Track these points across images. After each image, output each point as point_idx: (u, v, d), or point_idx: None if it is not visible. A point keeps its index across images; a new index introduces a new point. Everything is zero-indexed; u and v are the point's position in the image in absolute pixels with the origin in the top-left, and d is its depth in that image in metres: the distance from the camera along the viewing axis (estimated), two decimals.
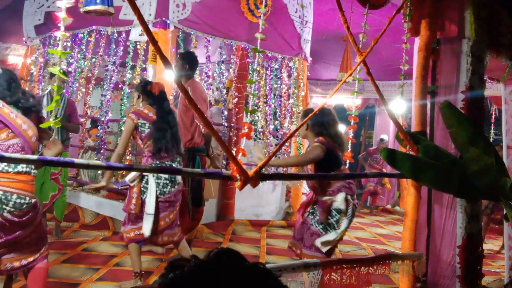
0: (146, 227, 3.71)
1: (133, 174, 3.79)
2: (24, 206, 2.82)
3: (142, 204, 3.76)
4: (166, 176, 3.80)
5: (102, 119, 6.32)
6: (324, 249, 3.32)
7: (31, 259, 2.93)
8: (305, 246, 3.48)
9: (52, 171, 4.90)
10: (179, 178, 3.93)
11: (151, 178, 3.77)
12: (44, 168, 4.73)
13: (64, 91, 5.53)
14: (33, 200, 2.90)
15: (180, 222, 4.13)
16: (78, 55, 6.80)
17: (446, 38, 2.99)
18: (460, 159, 2.58)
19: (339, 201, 3.37)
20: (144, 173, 3.80)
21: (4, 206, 2.73)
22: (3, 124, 2.79)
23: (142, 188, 3.77)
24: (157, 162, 3.82)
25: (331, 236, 3.33)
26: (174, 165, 3.87)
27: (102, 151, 6.37)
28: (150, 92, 3.92)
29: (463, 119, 2.59)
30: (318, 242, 3.33)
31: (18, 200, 2.78)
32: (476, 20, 2.82)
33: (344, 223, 3.39)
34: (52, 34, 6.88)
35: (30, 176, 2.87)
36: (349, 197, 3.41)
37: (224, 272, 0.87)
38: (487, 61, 2.95)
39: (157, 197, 3.77)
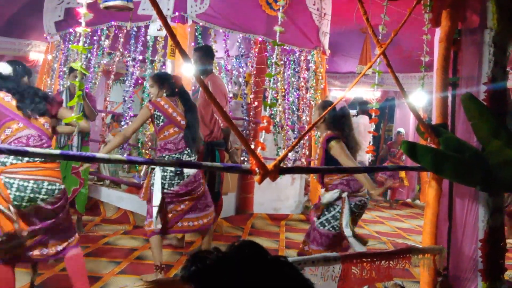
0: (153, 218, 3.76)
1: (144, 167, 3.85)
2: (56, 191, 2.92)
3: (150, 195, 3.82)
4: (172, 168, 3.81)
5: (126, 114, 6.37)
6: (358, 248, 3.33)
7: (65, 244, 3.04)
8: (310, 240, 3.53)
9: (73, 165, 4.97)
10: (188, 170, 3.90)
11: (157, 171, 3.81)
12: (65, 162, 4.80)
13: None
14: (62, 186, 3.02)
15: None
16: (97, 51, 6.86)
17: (467, 29, 2.94)
18: (482, 152, 2.54)
19: (325, 198, 3.40)
20: (152, 166, 3.85)
21: (37, 195, 2.82)
22: (10, 117, 2.87)
23: (152, 181, 3.83)
24: (164, 154, 3.85)
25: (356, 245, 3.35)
26: (182, 158, 3.87)
27: (125, 146, 6.43)
28: (174, 83, 3.95)
29: (485, 111, 2.55)
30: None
31: (49, 187, 2.87)
32: (498, 10, 2.76)
33: (344, 214, 3.38)
34: (72, 30, 6.96)
35: (55, 163, 2.98)
36: (344, 194, 3.39)
37: (247, 265, 0.87)
38: (510, 51, 2.89)
39: (163, 189, 3.79)
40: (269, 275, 0.86)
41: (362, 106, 8.23)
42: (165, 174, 3.80)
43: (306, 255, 2.66)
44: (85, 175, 5.19)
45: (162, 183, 3.78)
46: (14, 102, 2.89)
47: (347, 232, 3.36)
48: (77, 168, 4.99)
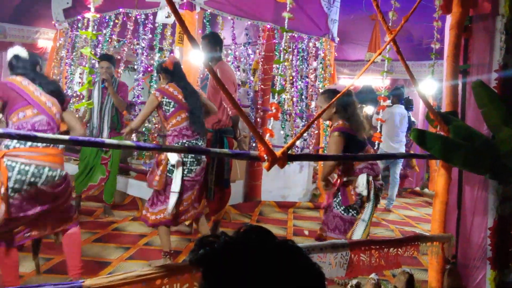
0: (170, 205, 3.76)
1: (174, 156, 3.79)
2: (56, 178, 2.95)
3: (166, 182, 3.79)
4: (192, 154, 3.82)
5: (134, 101, 6.38)
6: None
7: (63, 226, 3.14)
8: (329, 229, 3.50)
9: (102, 156, 5.00)
10: (203, 156, 3.95)
11: (175, 157, 3.76)
12: (95, 152, 4.91)
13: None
14: (64, 172, 3.03)
15: (207, 203, 4.18)
16: (105, 37, 6.85)
17: (479, 16, 2.90)
18: (492, 140, 2.53)
19: (360, 185, 3.36)
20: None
21: (37, 180, 2.86)
22: (27, 101, 2.90)
23: (170, 167, 3.79)
24: (184, 141, 3.84)
25: (361, 228, 3.33)
26: (199, 144, 3.88)
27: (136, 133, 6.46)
28: (166, 68, 3.95)
29: (496, 99, 2.52)
30: (354, 237, 3.33)
31: (50, 173, 2.90)
32: None
33: (368, 207, 3.36)
34: (80, 17, 6.96)
35: (58, 149, 3.00)
36: (371, 178, 3.38)
37: (254, 249, 0.87)
38: None
39: (183, 176, 3.79)
40: (277, 258, 0.86)
41: (395, 92, 7.48)
42: (186, 160, 3.79)
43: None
44: (112, 167, 5.16)
45: (182, 169, 3.78)
46: (31, 87, 2.94)
47: (365, 216, 3.35)
48: (107, 159, 5.02)
